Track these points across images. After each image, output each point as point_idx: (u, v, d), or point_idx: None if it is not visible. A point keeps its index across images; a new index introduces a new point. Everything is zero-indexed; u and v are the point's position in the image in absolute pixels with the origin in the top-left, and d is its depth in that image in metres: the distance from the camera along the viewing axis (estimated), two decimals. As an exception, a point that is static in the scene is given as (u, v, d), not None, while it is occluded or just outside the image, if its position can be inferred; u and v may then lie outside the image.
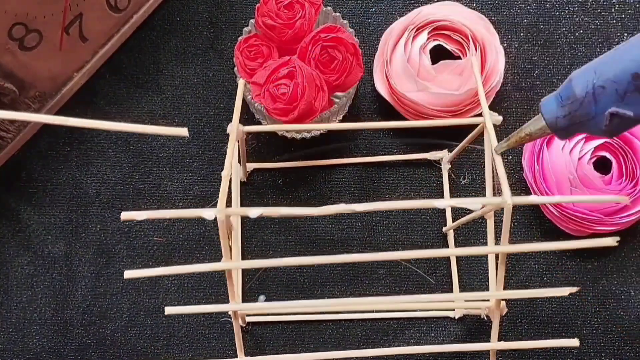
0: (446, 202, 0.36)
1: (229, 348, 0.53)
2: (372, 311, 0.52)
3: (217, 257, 0.54)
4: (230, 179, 0.41)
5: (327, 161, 0.55)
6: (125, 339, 0.53)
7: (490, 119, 0.41)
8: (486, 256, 0.53)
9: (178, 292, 0.53)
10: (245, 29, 0.53)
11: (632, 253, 0.54)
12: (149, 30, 0.57)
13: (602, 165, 0.52)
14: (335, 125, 0.48)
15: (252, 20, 0.52)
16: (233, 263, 0.36)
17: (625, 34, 0.57)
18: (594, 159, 0.52)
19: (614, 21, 0.57)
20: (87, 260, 0.54)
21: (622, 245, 0.54)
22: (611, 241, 0.34)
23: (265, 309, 0.50)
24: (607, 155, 0.52)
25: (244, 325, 0.51)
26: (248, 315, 0.52)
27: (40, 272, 0.54)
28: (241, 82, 0.45)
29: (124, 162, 0.55)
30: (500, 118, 0.42)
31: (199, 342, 0.53)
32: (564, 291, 0.38)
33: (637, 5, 0.58)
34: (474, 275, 0.54)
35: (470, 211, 0.45)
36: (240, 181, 0.54)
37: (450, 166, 0.55)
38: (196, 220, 0.55)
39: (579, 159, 0.51)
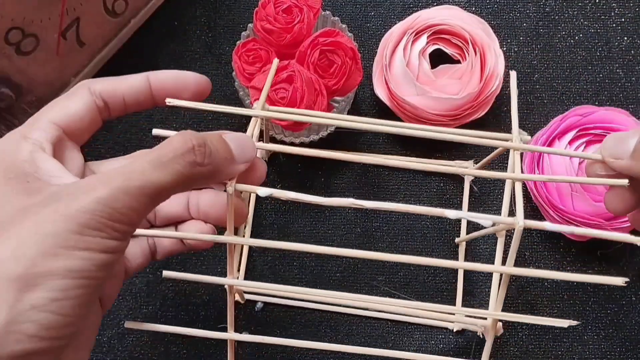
0: (457, 214, 0.36)
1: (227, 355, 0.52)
2: (368, 308, 0.52)
3: (211, 268, 0.54)
4: None
5: (348, 154, 0.45)
6: (123, 346, 0.52)
7: (518, 138, 0.40)
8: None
9: (175, 299, 0.53)
10: (244, 33, 0.53)
11: (632, 258, 0.54)
12: (146, 35, 0.57)
13: (602, 170, 0.52)
14: (352, 118, 0.47)
15: (250, 25, 0.52)
16: (234, 237, 0.37)
17: (625, 38, 0.57)
18: (595, 163, 0.51)
19: (614, 25, 0.57)
20: (84, 267, 0.54)
21: (623, 251, 0.53)
22: (619, 281, 0.35)
23: (261, 289, 0.50)
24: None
25: (242, 301, 0.51)
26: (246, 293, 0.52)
27: (36, 279, 0.53)
28: (275, 62, 0.45)
29: (122, 167, 0.55)
30: (529, 138, 0.41)
31: (196, 349, 0.52)
32: (564, 323, 0.38)
33: (637, 9, 0.57)
34: (475, 281, 0.53)
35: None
36: None
37: (472, 178, 0.54)
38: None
39: (580, 163, 0.51)
